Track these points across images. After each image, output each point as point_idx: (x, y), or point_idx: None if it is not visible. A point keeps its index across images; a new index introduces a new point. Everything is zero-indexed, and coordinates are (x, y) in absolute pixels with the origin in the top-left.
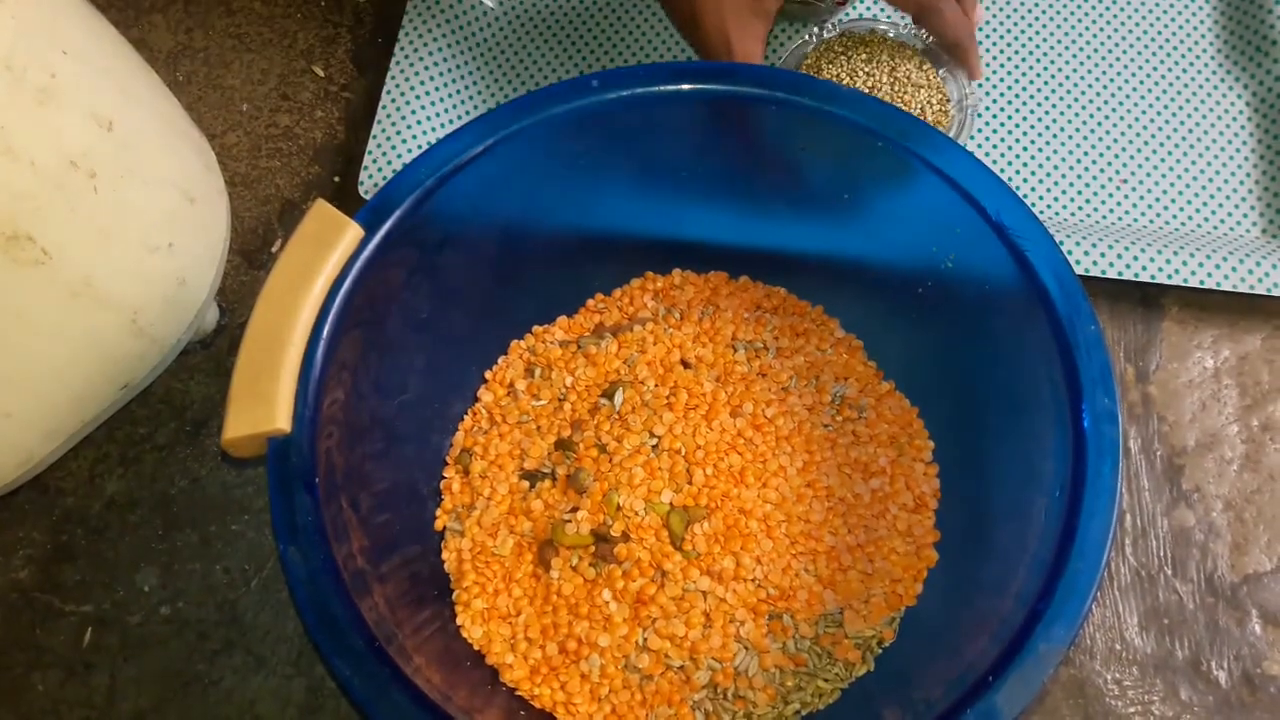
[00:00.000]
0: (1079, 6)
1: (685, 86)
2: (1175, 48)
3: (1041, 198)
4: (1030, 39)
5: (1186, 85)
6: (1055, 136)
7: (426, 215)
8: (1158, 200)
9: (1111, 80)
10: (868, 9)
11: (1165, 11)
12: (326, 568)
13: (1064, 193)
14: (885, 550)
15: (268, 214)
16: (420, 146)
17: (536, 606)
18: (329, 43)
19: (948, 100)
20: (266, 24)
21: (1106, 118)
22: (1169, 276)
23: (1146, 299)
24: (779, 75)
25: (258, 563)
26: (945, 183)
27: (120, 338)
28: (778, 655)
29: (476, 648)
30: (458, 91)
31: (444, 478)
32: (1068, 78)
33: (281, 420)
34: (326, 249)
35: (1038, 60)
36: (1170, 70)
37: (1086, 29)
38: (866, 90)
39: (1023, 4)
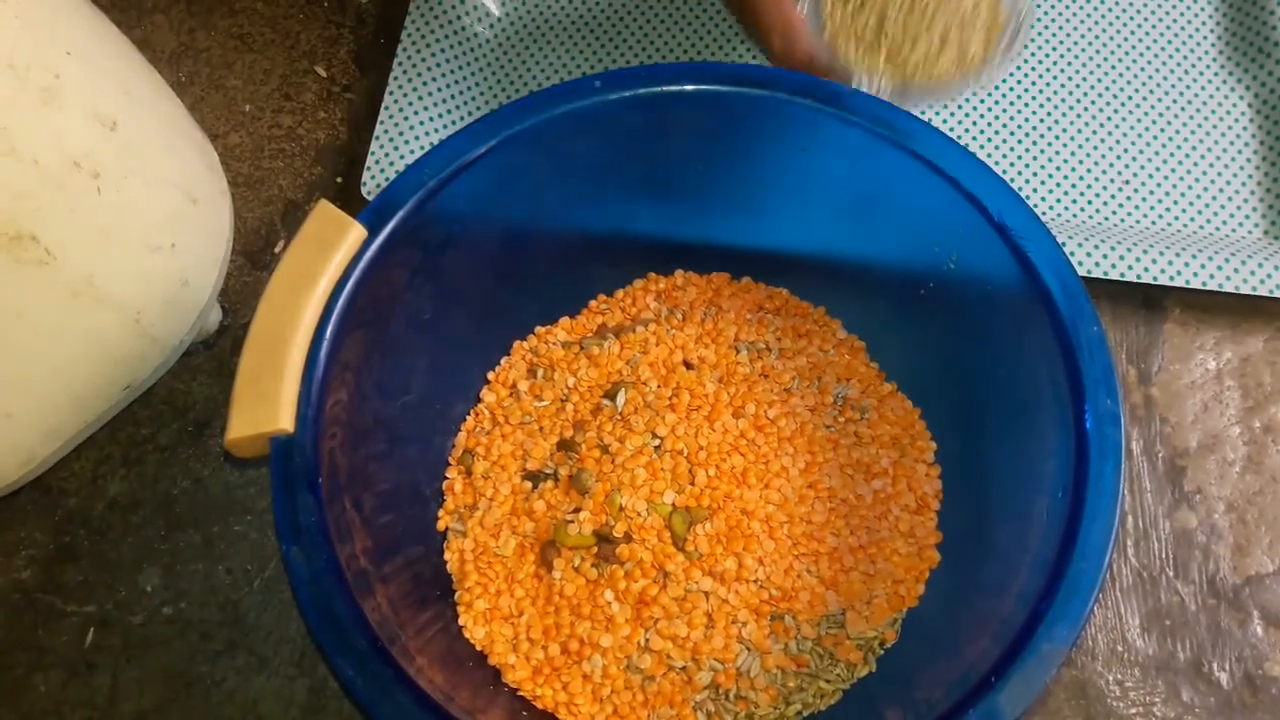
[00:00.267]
0: (1081, 8)
1: (688, 87)
2: (1178, 49)
3: (1044, 199)
4: (1032, 40)
5: (1189, 86)
6: (1058, 138)
7: (429, 216)
8: (1160, 201)
9: (1114, 81)
10: None
11: (1167, 13)
12: (329, 568)
13: (1066, 194)
14: (887, 551)
15: (270, 215)
16: (423, 147)
17: (539, 607)
18: (331, 43)
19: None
20: (269, 24)
21: (1109, 119)
22: (1171, 278)
23: (1149, 300)
24: (782, 76)
25: (260, 563)
26: (947, 183)
27: (122, 338)
28: (780, 656)
29: (479, 648)
30: (460, 92)
31: (446, 478)
32: (1070, 79)
33: (284, 421)
34: (329, 250)
35: (1040, 61)
36: (1173, 71)
37: (1089, 30)
38: None
39: None
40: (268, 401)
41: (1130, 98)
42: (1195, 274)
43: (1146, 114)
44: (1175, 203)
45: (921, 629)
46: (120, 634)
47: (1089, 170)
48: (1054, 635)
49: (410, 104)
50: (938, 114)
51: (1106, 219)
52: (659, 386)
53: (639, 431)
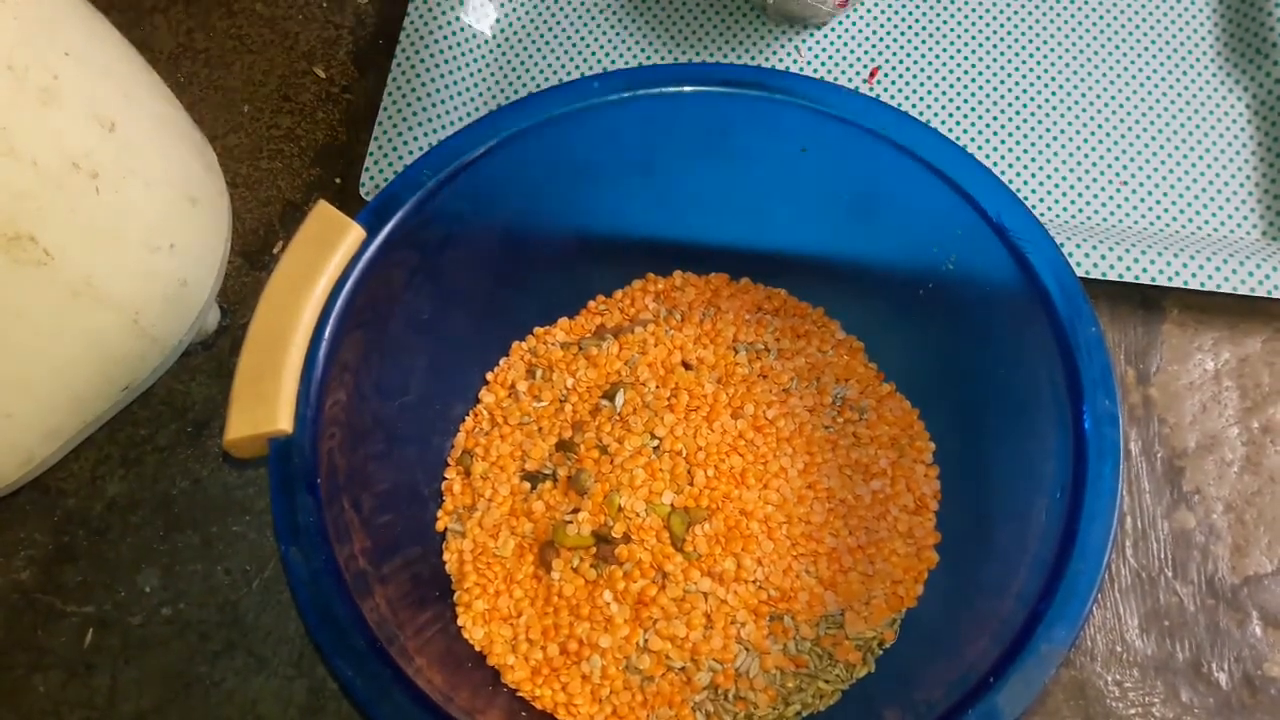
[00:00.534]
0: (1079, 7)
1: (686, 88)
2: (1176, 49)
3: (1042, 200)
4: (1031, 40)
5: (1187, 87)
6: (1056, 139)
7: (428, 216)
8: (1158, 202)
9: (1112, 81)
10: None
11: (1165, 13)
12: (328, 569)
13: (1064, 195)
14: (886, 552)
15: (269, 215)
16: (422, 148)
17: (538, 608)
18: (330, 44)
19: None
20: (268, 25)
21: (1107, 119)
22: (1169, 279)
23: (1147, 301)
24: (780, 77)
25: (259, 564)
26: (946, 184)
27: (121, 338)
28: (779, 656)
29: (478, 649)
30: (459, 93)
31: (445, 479)
32: (1068, 79)
33: (283, 421)
34: (328, 250)
35: (1038, 62)
36: (1171, 72)
37: (1086, 29)
38: None
39: (1023, 6)
40: (266, 402)
41: (1128, 98)
42: (1194, 275)
43: (1145, 115)
44: (1173, 203)
45: (920, 629)
46: (119, 634)
47: (1087, 171)
48: (1053, 636)
49: (409, 105)
50: (935, 115)
51: (1105, 220)
52: (658, 387)
53: (638, 432)
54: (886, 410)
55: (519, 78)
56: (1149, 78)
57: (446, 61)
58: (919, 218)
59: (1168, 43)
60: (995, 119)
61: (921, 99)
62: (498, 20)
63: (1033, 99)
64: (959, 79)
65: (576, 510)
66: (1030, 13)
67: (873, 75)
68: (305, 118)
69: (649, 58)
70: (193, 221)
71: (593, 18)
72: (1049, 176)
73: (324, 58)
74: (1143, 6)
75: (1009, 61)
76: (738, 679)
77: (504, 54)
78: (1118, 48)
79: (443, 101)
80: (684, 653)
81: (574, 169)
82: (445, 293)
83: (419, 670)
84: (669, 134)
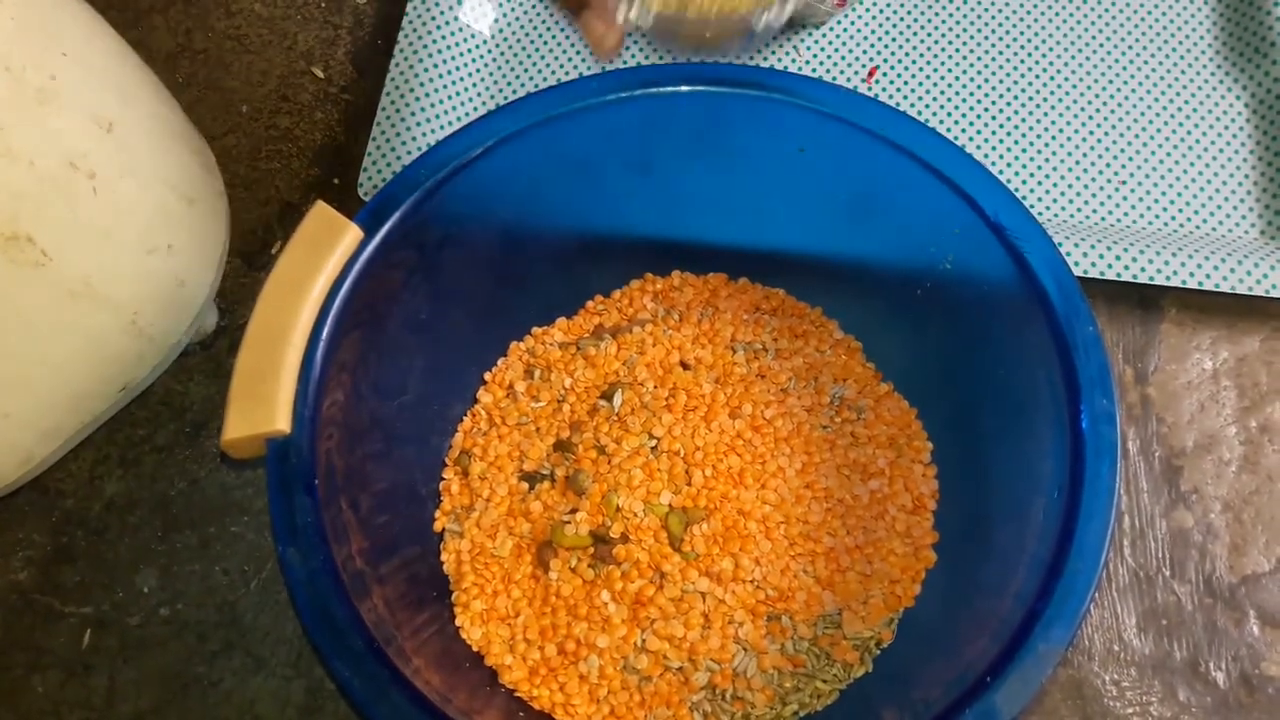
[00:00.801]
0: (1078, 7)
1: (684, 88)
2: (1174, 48)
3: (1040, 199)
4: (1029, 40)
5: (1185, 86)
6: (1054, 137)
7: (426, 217)
8: (1156, 201)
9: (1110, 81)
10: None
11: (1164, 12)
12: (326, 569)
13: (1062, 194)
14: (884, 551)
15: (267, 215)
16: (420, 148)
17: (535, 608)
18: (328, 44)
19: None
20: (266, 25)
21: (1105, 118)
22: (1167, 278)
23: (1145, 300)
24: (778, 77)
25: (257, 564)
26: (944, 184)
27: (119, 338)
28: (776, 656)
29: (475, 649)
30: (457, 93)
31: (443, 479)
32: (1066, 78)
33: (281, 421)
34: (326, 250)
35: (1036, 62)
36: (1169, 71)
37: (1085, 29)
38: None
39: (1021, 5)
40: (265, 402)
41: (1127, 98)
42: (1191, 274)
43: (1143, 114)
44: (1172, 203)
45: (918, 629)
46: (117, 635)
47: (1085, 170)
48: (1050, 635)
49: (407, 105)
50: (935, 115)
51: (1103, 219)
52: (656, 387)
53: (636, 432)
54: (884, 410)
55: (517, 78)
56: (1147, 77)
57: (445, 62)
58: (917, 217)
59: (1166, 42)
60: (993, 118)
61: (919, 99)
62: (496, 20)
63: (1030, 98)
64: (957, 79)
65: (574, 510)
66: (1029, 12)
67: (871, 75)
68: (303, 118)
69: (647, 58)
70: (190, 222)
71: None
72: (1047, 176)
73: (322, 58)
74: (1141, 5)
75: (1007, 61)
76: (735, 679)
77: (502, 54)
78: (1116, 47)
79: (441, 102)
80: (681, 653)
81: (572, 169)
82: (443, 293)
83: (417, 671)
84: (667, 134)
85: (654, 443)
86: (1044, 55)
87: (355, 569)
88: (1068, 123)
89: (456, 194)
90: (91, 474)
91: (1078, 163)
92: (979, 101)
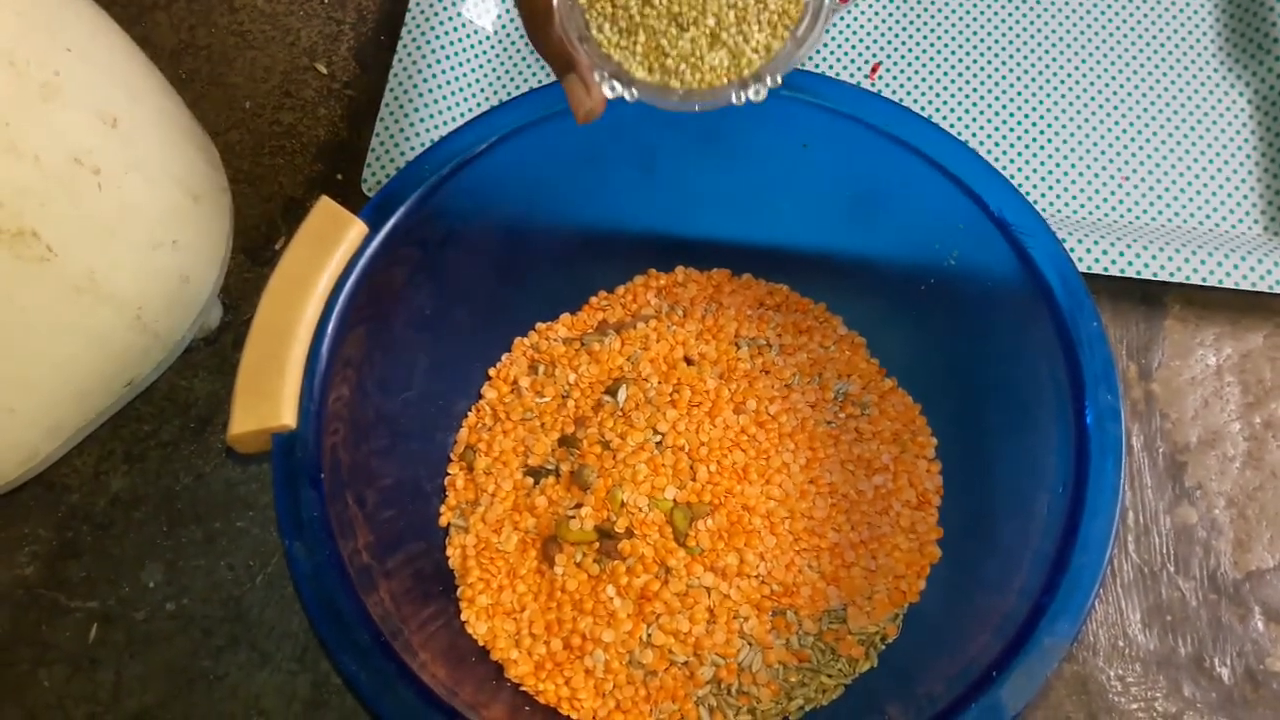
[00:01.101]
0: (1081, 3)
1: None
2: (1178, 45)
3: (1044, 195)
4: (1033, 36)
5: (1189, 82)
6: (1058, 134)
7: (430, 212)
8: (1160, 197)
9: (1114, 77)
10: None
11: (1167, 9)
12: (332, 563)
13: (1066, 190)
14: (888, 547)
15: (271, 211)
16: (423, 144)
17: (541, 602)
18: (332, 40)
19: None
20: (269, 21)
21: (1109, 115)
22: (1171, 274)
23: (1149, 296)
24: None
25: (262, 559)
26: (948, 180)
27: (124, 334)
28: (781, 651)
29: (481, 643)
30: (461, 89)
31: (448, 474)
32: (1070, 75)
33: (287, 416)
34: (331, 245)
35: (1040, 58)
36: (1173, 67)
37: (1089, 26)
38: None
39: (1024, 1)
40: (270, 397)
41: (1130, 94)
42: (1195, 270)
43: (1146, 110)
44: (1175, 199)
45: (923, 624)
46: (123, 630)
47: (1089, 166)
48: (1055, 630)
49: (411, 101)
50: (938, 111)
51: (1106, 215)
52: (660, 383)
53: (640, 427)
54: (888, 406)
55: (520, 74)
56: (1151, 73)
57: (448, 58)
58: (921, 213)
59: (1170, 39)
60: (997, 114)
61: (923, 94)
62: (499, 16)
63: (1034, 95)
64: (960, 75)
65: (579, 505)
66: (1031, 8)
67: (874, 71)
68: (307, 114)
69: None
70: (194, 218)
71: None
72: (1050, 172)
73: (326, 54)
74: (1145, 2)
75: (1010, 57)
76: (740, 674)
77: (505, 50)
78: (1120, 44)
79: (444, 97)
80: (687, 647)
81: (576, 164)
82: (447, 288)
83: (423, 665)
84: (671, 129)
85: (658, 438)
86: (1047, 52)
87: (361, 563)
88: (1071, 119)
89: (460, 190)
90: (97, 469)
91: (1081, 159)
92: (982, 98)
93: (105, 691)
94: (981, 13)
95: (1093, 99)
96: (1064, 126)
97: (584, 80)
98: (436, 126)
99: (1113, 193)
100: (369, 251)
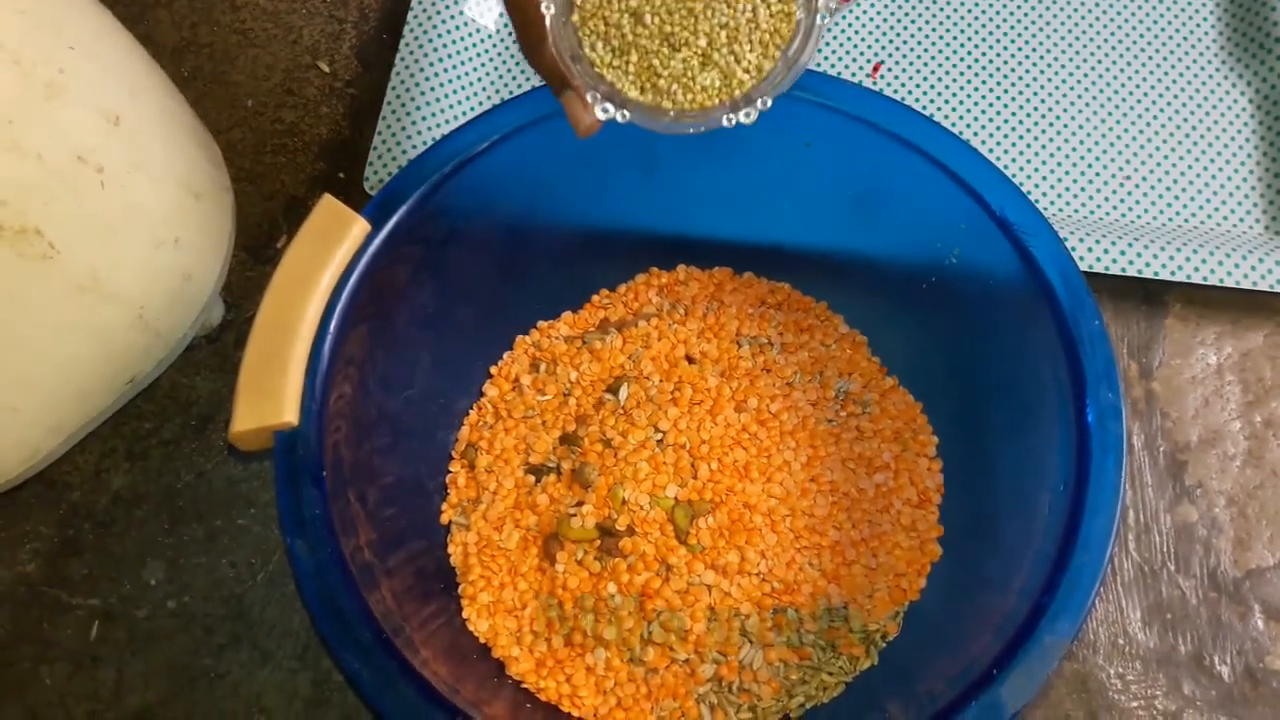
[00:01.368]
0: (1083, 2)
1: None
2: (1179, 43)
3: (1045, 194)
4: (1034, 35)
5: (1190, 81)
6: (1059, 132)
7: (432, 211)
8: (1161, 196)
9: (1115, 77)
10: None
11: (1169, 8)
12: (334, 561)
13: (1067, 189)
14: (889, 545)
15: (273, 210)
16: (425, 142)
17: (542, 600)
18: (334, 38)
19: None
20: (271, 19)
21: (1110, 114)
22: (1172, 273)
23: (1149, 295)
24: None
25: (264, 557)
26: (950, 178)
27: (126, 332)
28: (782, 649)
29: (483, 641)
30: (463, 87)
31: (450, 472)
32: (1071, 73)
33: (289, 414)
34: (333, 244)
35: (1041, 56)
36: (1174, 67)
37: (1090, 25)
38: None
39: (1027, 0)
40: (272, 395)
41: (1132, 93)
42: (1196, 269)
43: (1148, 109)
44: (1176, 198)
45: (923, 622)
46: (125, 627)
47: (1090, 165)
48: (1056, 628)
49: (412, 100)
50: (939, 110)
51: (1108, 214)
52: (661, 381)
53: (641, 425)
54: (890, 404)
55: (523, 72)
56: (1152, 73)
57: (450, 56)
58: (922, 212)
59: (1171, 38)
60: (999, 114)
61: (925, 94)
62: (501, 15)
63: (1036, 93)
64: (962, 74)
65: (580, 503)
66: (1033, 7)
67: (876, 70)
68: (309, 112)
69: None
70: (197, 216)
71: None
72: (1052, 171)
73: (328, 52)
74: (1146, 1)
75: (1012, 56)
76: (741, 671)
77: (508, 48)
78: (1121, 42)
79: (446, 96)
80: (688, 645)
81: (577, 163)
82: (449, 287)
83: (425, 662)
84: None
85: (660, 436)
86: (1049, 50)
87: (363, 561)
88: (1073, 118)
89: (462, 188)
90: (98, 467)
91: (1083, 158)
92: (984, 97)
93: (106, 689)
94: (983, 12)
95: (1094, 98)
96: (1065, 125)
97: (581, 97)
98: (439, 125)
99: (1114, 191)
100: (371, 250)
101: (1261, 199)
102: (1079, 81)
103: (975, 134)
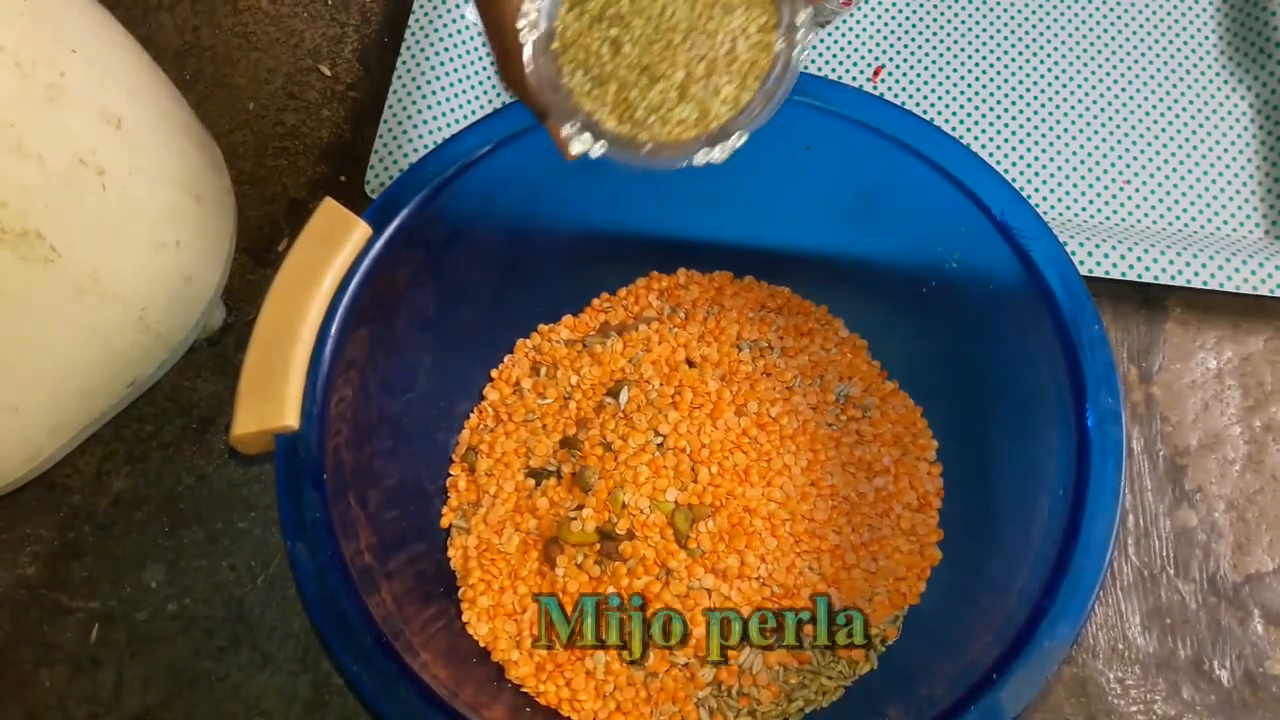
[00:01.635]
0: (1083, 6)
1: None
2: (1179, 48)
3: (1045, 198)
4: (1035, 40)
5: (1190, 86)
6: (1059, 137)
7: (433, 214)
8: (1161, 201)
9: (1115, 81)
10: None
11: (1169, 12)
12: (334, 564)
13: (1067, 193)
14: (889, 549)
15: (274, 213)
16: (427, 146)
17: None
18: (336, 42)
19: (774, 26)
20: (273, 23)
21: (1110, 118)
22: (1172, 277)
23: (1149, 300)
24: None
25: (264, 560)
26: (950, 183)
27: (127, 334)
28: (782, 653)
29: (482, 644)
30: (464, 91)
31: (450, 475)
32: (1072, 78)
33: (290, 417)
34: (335, 247)
35: (1042, 61)
36: (1174, 71)
37: (1091, 30)
38: (659, 11)
39: (1026, 4)
40: (273, 398)
41: (1132, 97)
42: (1196, 273)
43: (1148, 114)
44: (1176, 202)
45: (923, 626)
46: (125, 630)
47: (1091, 170)
48: (1055, 632)
49: (414, 103)
50: (940, 114)
51: (1108, 218)
52: (661, 384)
53: (642, 429)
54: (889, 408)
55: None
56: (1153, 77)
57: (452, 59)
58: (922, 216)
59: (1171, 42)
60: (999, 117)
61: (925, 97)
62: None
63: (1036, 97)
64: (963, 78)
65: (581, 507)
66: (1034, 12)
67: (877, 74)
68: (310, 115)
69: None
70: (198, 218)
71: None
72: (1052, 175)
73: (329, 55)
74: (1146, 6)
75: (1013, 60)
76: (741, 675)
77: None
78: (1121, 47)
79: (448, 100)
80: (688, 649)
81: (578, 167)
82: (450, 290)
83: (424, 666)
84: None
85: (660, 440)
86: (1050, 55)
87: (363, 564)
88: (1073, 122)
89: (463, 192)
90: (99, 470)
91: (1083, 162)
92: (984, 101)
93: (106, 692)
94: (984, 17)
95: (1094, 103)
96: (1066, 130)
97: (559, 126)
98: (440, 129)
99: (1114, 196)
100: (372, 253)
101: (1261, 203)
102: (1079, 85)
103: (975, 138)
